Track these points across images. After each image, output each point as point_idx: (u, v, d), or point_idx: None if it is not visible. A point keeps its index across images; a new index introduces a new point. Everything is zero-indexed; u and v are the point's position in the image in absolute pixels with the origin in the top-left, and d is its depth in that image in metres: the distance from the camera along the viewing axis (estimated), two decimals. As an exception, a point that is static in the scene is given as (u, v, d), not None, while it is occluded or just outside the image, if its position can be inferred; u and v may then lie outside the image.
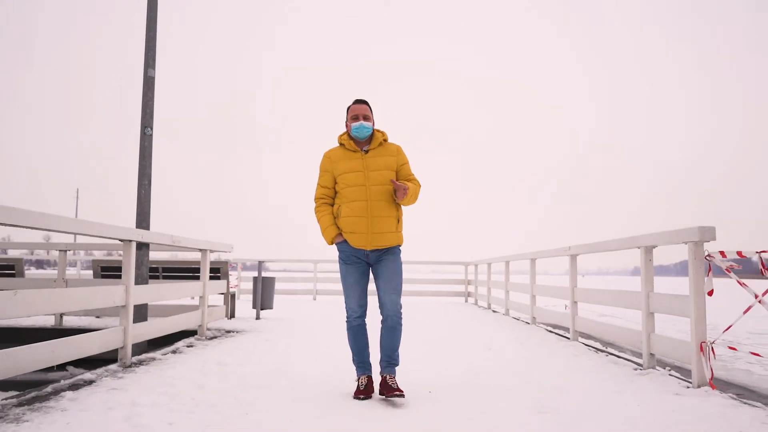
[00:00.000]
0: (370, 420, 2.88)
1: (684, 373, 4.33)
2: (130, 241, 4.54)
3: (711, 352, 3.64)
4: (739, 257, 3.43)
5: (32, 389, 3.52)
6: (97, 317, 8.01)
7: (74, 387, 3.59)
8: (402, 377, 3.70)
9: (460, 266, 15.52)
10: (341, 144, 3.54)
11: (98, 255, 21.16)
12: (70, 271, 17.72)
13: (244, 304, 11.15)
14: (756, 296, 3.31)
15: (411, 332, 6.76)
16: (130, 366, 4.39)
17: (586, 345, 5.92)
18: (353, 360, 3.54)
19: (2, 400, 3.15)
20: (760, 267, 3.28)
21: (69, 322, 7.54)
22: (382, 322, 3.45)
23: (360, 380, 3.46)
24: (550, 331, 7.22)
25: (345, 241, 3.44)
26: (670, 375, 4.13)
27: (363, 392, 3.38)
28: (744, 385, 4.83)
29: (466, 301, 14.68)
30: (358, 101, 3.54)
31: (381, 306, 3.44)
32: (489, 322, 8.47)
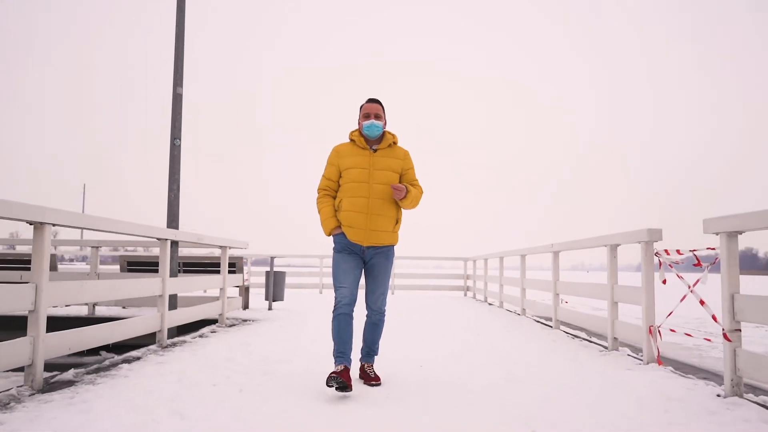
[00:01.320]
0: (370, 382, 3.60)
1: (641, 352, 5.04)
2: (166, 239, 5.28)
3: (658, 335, 4.35)
4: (678, 255, 4.13)
5: (93, 364, 4.26)
6: (123, 308, 8.77)
7: (127, 361, 4.33)
8: (399, 354, 4.42)
9: (460, 262, 16.23)
10: (351, 140, 3.63)
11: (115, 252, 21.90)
12: (80, 265, 18.53)
13: (255, 297, 11.90)
14: (689, 287, 4.01)
15: (409, 322, 7.49)
16: (167, 347, 5.13)
17: (565, 332, 6.62)
18: (333, 351, 3.40)
19: (74, 370, 3.88)
20: (695, 262, 3.98)
21: (98, 312, 8.30)
22: (367, 317, 3.67)
23: (337, 367, 3.30)
24: (537, 321, 7.93)
25: (342, 233, 3.54)
26: (628, 355, 4.84)
27: (339, 374, 3.19)
28: (700, 366, 5.53)
29: (465, 295, 15.39)
30: (371, 100, 3.61)
31: (366, 304, 3.64)
32: (483, 314, 9.18)
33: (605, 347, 5.31)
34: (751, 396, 3.34)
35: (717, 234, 3.44)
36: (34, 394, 3.20)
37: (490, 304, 11.85)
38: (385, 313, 3.72)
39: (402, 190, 3.45)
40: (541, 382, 3.74)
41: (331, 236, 3.61)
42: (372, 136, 3.54)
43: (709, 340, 6.23)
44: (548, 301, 7.43)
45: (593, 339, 6.06)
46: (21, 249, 15.68)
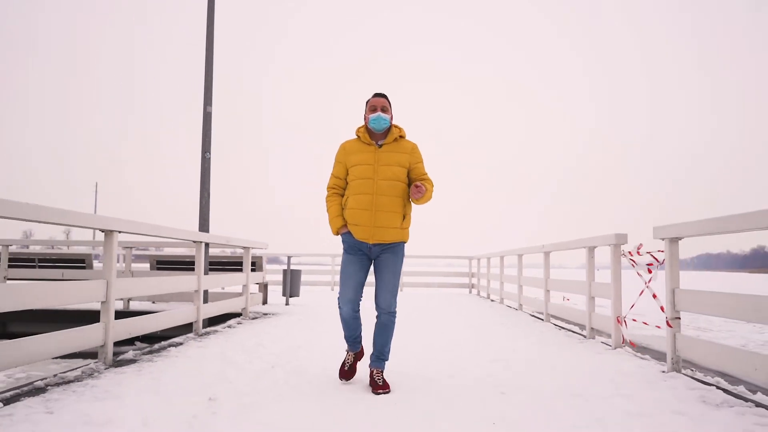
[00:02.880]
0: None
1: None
2: (201, 242, 6.08)
3: (624, 323, 5.08)
4: (638, 255, 4.86)
5: (146, 346, 5.06)
6: (153, 302, 9.60)
7: (173, 345, 5.13)
8: (401, 341, 5.16)
9: (465, 260, 16.94)
10: (358, 136, 3.59)
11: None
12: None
13: (271, 293, 12.71)
14: (646, 283, 4.74)
15: (415, 317, 8.25)
16: (202, 335, 5.93)
17: (554, 324, 7.35)
18: (345, 337, 3.66)
19: (132, 352, 4.68)
20: (652, 261, 4.70)
21: (132, 306, 9.13)
22: (376, 317, 3.57)
23: (347, 357, 3.69)
24: (532, 315, 8.65)
25: (349, 232, 3.50)
26: (601, 342, 5.58)
27: (346, 374, 3.65)
28: (657, 349, 6.21)
29: (470, 292, 16.12)
30: (377, 94, 3.56)
31: (376, 303, 3.54)
32: (483, 309, 9.92)
33: (584, 336, 6.04)
34: (688, 371, 4.08)
35: (663, 239, 4.17)
36: (108, 368, 4.01)
37: (492, 300, 12.57)
38: (396, 313, 3.58)
39: (421, 190, 3.37)
40: (521, 362, 4.48)
41: (339, 235, 3.60)
42: (378, 129, 3.49)
43: (659, 327, 6.90)
44: (541, 297, 8.15)
45: (576, 330, 6.79)
46: (33, 249, 16.45)
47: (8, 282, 9.56)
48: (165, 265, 10.02)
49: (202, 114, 7.15)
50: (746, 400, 3.20)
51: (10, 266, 9.48)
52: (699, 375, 4.03)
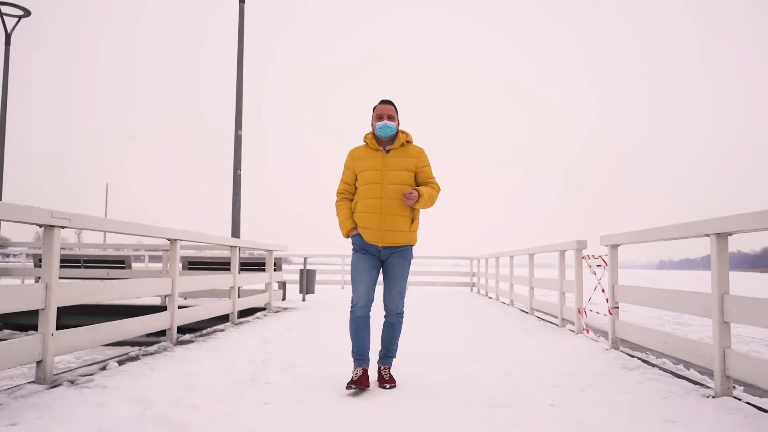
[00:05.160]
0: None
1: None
2: (236, 246, 7.28)
3: (584, 313, 6.22)
4: (593, 258, 5.99)
5: (188, 335, 6.25)
6: (185, 298, 10.83)
7: (216, 332, 6.32)
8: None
9: (467, 261, 18.08)
10: (366, 143, 3.69)
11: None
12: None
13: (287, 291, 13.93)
14: (599, 280, 5.87)
15: (419, 312, 9.42)
16: (237, 324, 7.13)
17: (537, 317, 8.49)
18: (352, 352, 3.60)
19: (188, 337, 5.87)
20: (597, 263, 5.84)
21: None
22: (384, 317, 3.69)
23: (355, 372, 3.52)
24: (522, 310, 9.79)
25: (359, 234, 3.61)
26: (569, 330, 6.71)
27: (356, 383, 3.43)
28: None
29: (471, 290, 17.26)
30: (383, 101, 3.64)
31: (384, 304, 3.67)
32: (480, 306, 11.07)
33: (557, 325, 7.19)
34: (625, 349, 5.21)
35: (607, 246, 5.32)
36: (175, 346, 5.20)
37: (489, 297, 13.72)
38: (404, 314, 3.72)
39: (413, 197, 3.46)
40: (497, 344, 5.64)
41: (350, 238, 3.70)
42: (385, 136, 3.58)
43: (607, 314, 8.01)
44: (526, 293, 9.30)
45: (553, 320, 7.93)
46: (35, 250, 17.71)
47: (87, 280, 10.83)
48: (195, 265, 11.25)
49: (234, 137, 8.37)
50: (653, 365, 4.34)
51: (61, 266, 10.72)
52: (637, 353, 5.17)
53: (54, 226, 3.63)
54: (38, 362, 3.55)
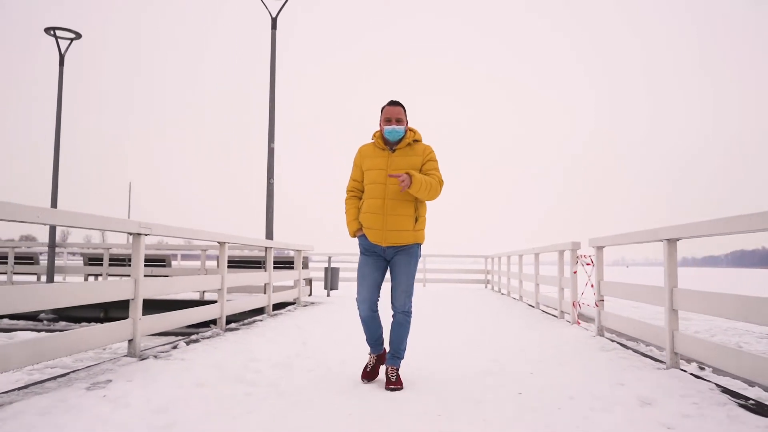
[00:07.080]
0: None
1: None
2: (271, 247, 8.25)
3: (578, 306, 7.05)
4: (584, 257, 6.82)
5: (233, 323, 7.24)
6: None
7: (255, 321, 7.29)
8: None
9: (482, 259, 18.90)
10: (373, 141, 3.69)
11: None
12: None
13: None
14: (588, 277, 6.70)
15: (435, 304, 10.30)
16: (273, 315, 8.10)
17: (541, 311, 9.32)
18: (366, 341, 3.79)
19: (233, 325, 6.84)
20: (586, 262, 6.65)
21: (206, 296, 11.40)
22: (392, 316, 3.67)
23: (370, 359, 3.80)
24: (529, 305, 10.62)
25: (364, 235, 3.63)
26: (566, 321, 7.55)
27: (368, 375, 3.71)
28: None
29: (486, 287, 18.08)
30: (392, 103, 3.61)
31: (391, 302, 3.65)
32: (492, 301, 11.91)
33: (556, 316, 8.02)
34: (609, 335, 6.04)
35: (593, 247, 6.15)
36: (225, 332, 6.17)
37: (502, 294, 14.54)
38: (411, 313, 3.68)
39: (404, 179, 3.35)
40: (501, 332, 6.51)
41: (356, 238, 3.72)
42: (393, 140, 3.58)
43: (594, 306, 8.83)
44: (532, 289, 10.13)
45: (553, 312, 8.76)
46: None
47: (149, 277, 11.97)
48: (230, 264, 12.30)
49: (267, 149, 9.35)
50: (627, 348, 5.18)
51: (110, 264, 11.88)
52: (621, 339, 5.99)
53: (140, 234, 4.61)
54: (130, 340, 4.54)
